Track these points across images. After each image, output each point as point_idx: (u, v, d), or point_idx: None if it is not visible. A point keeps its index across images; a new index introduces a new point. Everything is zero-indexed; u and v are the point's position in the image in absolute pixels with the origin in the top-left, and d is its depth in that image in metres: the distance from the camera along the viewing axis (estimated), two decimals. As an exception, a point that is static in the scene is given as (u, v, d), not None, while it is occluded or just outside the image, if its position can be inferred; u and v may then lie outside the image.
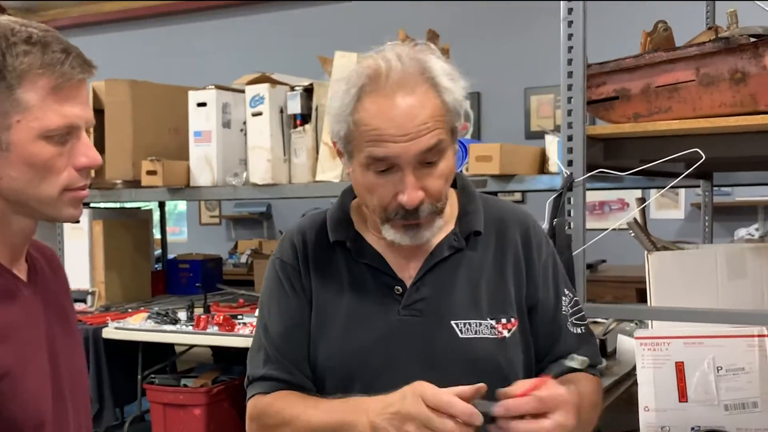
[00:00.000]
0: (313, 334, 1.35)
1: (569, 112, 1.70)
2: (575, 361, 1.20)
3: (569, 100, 1.71)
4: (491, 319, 1.31)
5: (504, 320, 1.32)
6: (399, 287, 1.33)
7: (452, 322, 1.30)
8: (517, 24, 6.22)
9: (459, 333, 1.30)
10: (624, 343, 2.88)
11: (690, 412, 1.88)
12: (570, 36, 1.70)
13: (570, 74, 1.71)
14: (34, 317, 1.16)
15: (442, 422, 1.08)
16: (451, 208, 1.38)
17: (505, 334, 1.31)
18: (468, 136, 6.30)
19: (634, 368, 2.73)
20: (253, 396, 1.37)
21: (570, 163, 1.72)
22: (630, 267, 5.27)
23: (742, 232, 5.36)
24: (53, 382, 1.15)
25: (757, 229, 5.39)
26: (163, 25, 7.78)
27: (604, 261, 5.49)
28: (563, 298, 1.38)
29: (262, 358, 1.37)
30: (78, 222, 4.46)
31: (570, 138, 1.72)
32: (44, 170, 1.09)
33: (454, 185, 1.41)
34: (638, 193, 5.36)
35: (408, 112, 1.20)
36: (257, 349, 1.39)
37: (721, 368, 1.87)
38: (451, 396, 1.10)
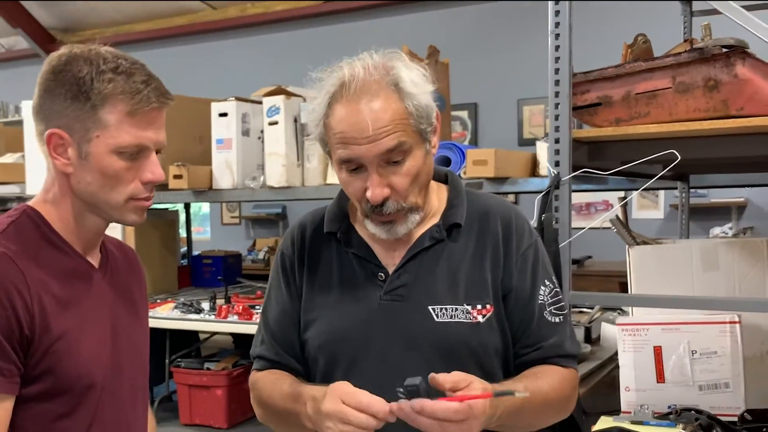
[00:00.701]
0: (304, 318, 1.37)
1: (556, 117, 1.70)
2: (520, 394, 1.14)
3: (556, 106, 1.71)
4: (467, 305, 1.29)
5: (479, 306, 1.30)
6: (382, 274, 1.33)
7: (429, 307, 1.29)
8: (511, 40, 6.21)
9: (435, 317, 1.29)
10: (607, 330, 2.87)
11: (667, 392, 1.88)
12: (557, 47, 1.70)
13: (557, 83, 1.72)
14: (100, 296, 1.24)
15: (356, 416, 1.10)
16: (440, 202, 1.38)
17: (480, 319, 1.30)
18: (466, 143, 6.31)
19: (616, 353, 2.73)
20: (252, 370, 1.43)
21: (557, 164, 1.72)
22: (613, 262, 5.25)
23: (716, 231, 5.34)
24: (111, 353, 1.22)
25: (730, 228, 5.38)
26: (188, 43, 7.80)
27: (590, 257, 5.48)
28: (541, 287, 1.34)
29: (259, 340, 1.43)
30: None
31: (557, 141, 1.72)
32: (114, 180, 1.18)
33: (446, 181, 1.42)
34: (621, 194, 5.36)
35: (369, 116, 1.21)
36: (259, 330, 1.44)
37: (696, 352, 1.87)
38: (362, 392, 1.12)
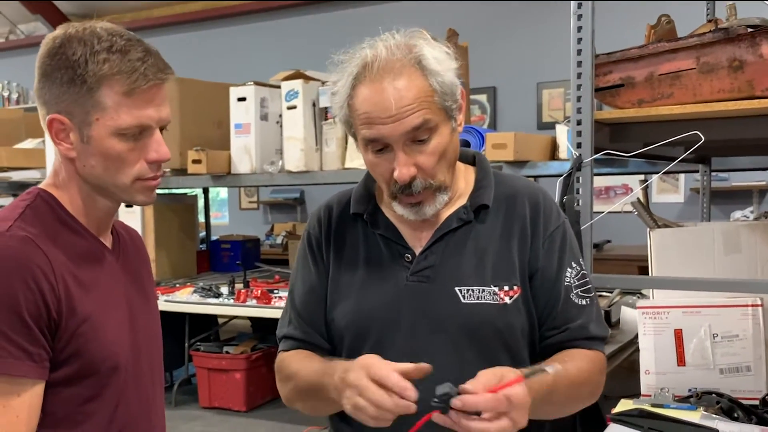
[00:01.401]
0: (330, 298, 1.36)
1: (578, 99, 1.68)
2: (551, 368, 1.14)
3: (578, 87, 1.69)
4: (494, 286, 1.29)
5: (506, 287, 1.29)
6: (409, 255, 1.33)
7: (456, 288, 1.29)
8: (530, 23, 6.17)
9: (462, 298, 1.28)
10: (627, 314, 2.86)
11: (688, 375, 1.87)
12: (579, 29, 1.67)
13: (579, 63, 1.69)
14: (116, 278, 1.24)
15: (375, 392, 1.08)
16: (467, 184, 1.37)
17: (507, 300, 1.29)
18: (484, 126, 6.28)
19: (635, 337, 2.72)
20: (279, 351, 1.42)
21: (579, 146, 1.71)
22: (632, 246, 5.22)
23: (737, 215, 5.29)
24: (131, 335, 1.22)
25: (752, 212, 5.32)
26: (206, 28, 7.80)
27: (609, 241, 5.44)
28: (568, 269, 1.33)
29: (286, 320, 1.42)
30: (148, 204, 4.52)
31: (579, 122, 1.70)
32: (118, 162, 1.16)
33: (474, 163, 1.41)
34: (641, 178, 5.31)
35: (393, 95, 1.20)
36: (285, 310, 1.44)
37: (717, 335, 1.86)
38: (389, 371, 1.09)
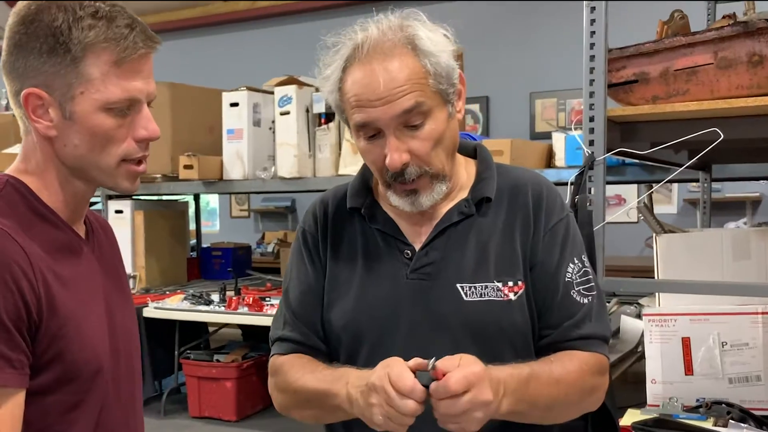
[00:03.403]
0: (327, 297, 1.29)
1: (591, 95, 1.62)
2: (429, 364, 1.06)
3: (591, 82, 1.63)
4: (498, 282, 1.21)
5: (510, 283, 1.21)
6: (408, 251, 1.25)
7: (458, 285, 1.21)
8: (522, 34, 6.15)
9: (464, 296, 1.20)
10: (626, 323, 2.80)
11: (696, 384, 1.81)
12: (593, 21, 1.61)
13: (592, 58, 1.63)
14: (93, 273, 1.13)
15: (404, 403, 1.03)
16: (468, 177, 1.30)
17: (511, 296, 1.21)
18: (478, 134, 6.24)
19: (635, 347, 2.67)
20: (273, 355, 1.34)
21: (591, 143, 1.64)
22: (626, 257, 5.19)
23: (731, 226, 5.26)
24: (109, 334, 1.12)
25: (745, 223, 5.29)
26: (199, 35, 7.75)
27: (602, 252, 5.40)
28: (570, 264, 1.24)
29: (281, 322, 1.34)
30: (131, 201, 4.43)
31: (591, 119, 1.63)
32: (105, 140, 1.05)
33: (475, 156, 1.34)
34: (635, 188, 5.28)
35: (383, 76, 1.13)
36: (279, 312, 1.35)
37: (726, 343, 1.80)
38: (414, 382, 1.03)
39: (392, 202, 1.23)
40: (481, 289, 1.21)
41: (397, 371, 1.04)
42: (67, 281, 1.04)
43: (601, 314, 1.26)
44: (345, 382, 1.13)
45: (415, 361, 1.05)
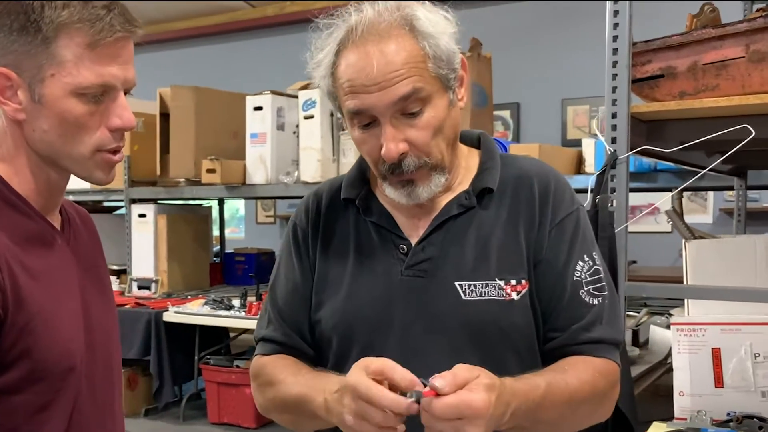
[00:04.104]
0: (316, 296, 1.22)
1: (614, 90, 1.55)
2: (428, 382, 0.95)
3: (614, 77, 1.56)
4: (499, 280, 1.13)
5: (513, 281, 1.13)
6: (404, 246, 1.18)
7: (456, 284, 1.13)
8: (554, 40, 6.07)
9: (462, 295, 1.13)
10: (656, 333, 2.72)
11: (726, 397, 1.73)
12: (615, 12, 1.55)
13: (615, 51, 1.56)
14: (67, 265, 1.08)
15: (377, 414, 0.94)
16: (470, 167, 1.22)
17: (514, 296, 1.12)
18: (508, 141, 6.17)
19: (664, 358, 2.59)
20: (256, 355, 1.28)
21: (613, 141, 1.57)
22: (658, 268, 5.07)
23: (769, 237, 5.12)
24: (85, 331, 1.07)
25: (784, 234, 5.14)
26: (227, 41, 7.79)
27: (634, 262, 5.29)
28: (579, 262, 1.15)
29: (265, 320, 1.28)
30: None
31: (614, 115, 1.56)
32: (75, 127, 1.00)
33: (479, 146, 1.27)
34: (669, 196, 5.16)
35: (378, 60, 1.07)
36: (264, 310, 1.30)
37: (759, 355, 1.72)
38: (381, 392, 0.94)
39: (388, 194, 1.16)
40: (482, 287, 1.13)
41: (365, 384, 0.96)
42: (36, 273, 1.00)
43: (613, 317, 1.18)
44: (322, 388, 1.06)
45: (410, 378, 0.96)
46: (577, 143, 4.58)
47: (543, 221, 1.17)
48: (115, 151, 1.05)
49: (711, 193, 5.44)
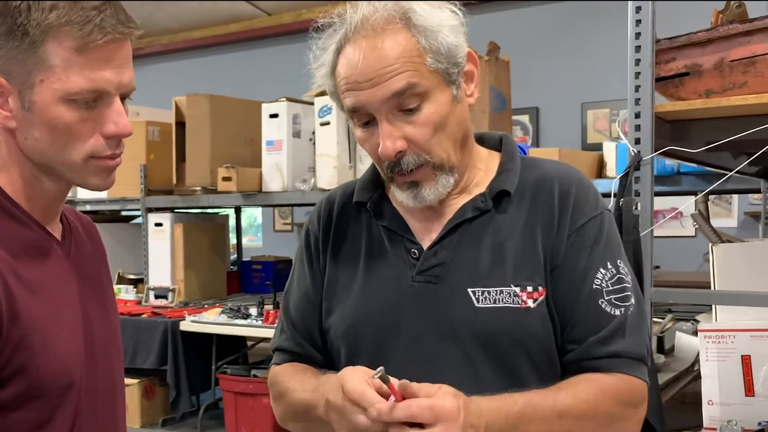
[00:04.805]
0: (327, 302, 1.20)
1: (636, 89, 1.51)
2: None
3: (637, 75, 1.51)
4: (515, 287, 1.09)
5: (530, 288, 1.09)
6: (416, 250, 1.15)
7: (469, 290, 1.10)
8: (574, 43, 6.02)
9: (475, 302, 1.09)
10: (682, 340, 2.66)
11: (757, 406, 1.68)
12: (638, 9, 1.51)
13: (638, 49, 1.52)
14: (66, 276, 1.05)
15: (356, 416, 0.95)
16: (489, 170, 1.19)
17: (530, 303, 1.09)
18: (527, 145, 6.13)
19: (691, 366, 2.53)
20: (271, 365, 1.29)
21: (637, 142, 1.53)
22: (683, 273, 4.99)
23: (796, 241, 5.03)
24: (85, 345, 1.04)
25: (812, 238, 5.05)
26: (243, 49, 7.82)
27: (657, 267, 5.21)
28: (601, 269, 1.10)
29: (279, 330, 1.28)
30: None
31: (637, 115, 1.52)
32: (67, 135, 0.97)
33: (500, 149, 1.23)
34: (693, 200, 5.08)
35: (372, 55, 1.05)
36: (278, 319, 1.30)
37: (791, 362, 1.67)
38: (363, 388, 0.95)
39: (397, 197, 1.14)
40: (496, 294, 1.10)
41: (349, 386, 0.97)
42: (33, 285, 0.96)
43: (637, 329, 1.12)
44: (324, 391, 1.04)
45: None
46: (598, 147, 4.53)
47: (562, 226, 1.13)
48: (111, 156, 1.02)
49: (735, 197, 5.36)
